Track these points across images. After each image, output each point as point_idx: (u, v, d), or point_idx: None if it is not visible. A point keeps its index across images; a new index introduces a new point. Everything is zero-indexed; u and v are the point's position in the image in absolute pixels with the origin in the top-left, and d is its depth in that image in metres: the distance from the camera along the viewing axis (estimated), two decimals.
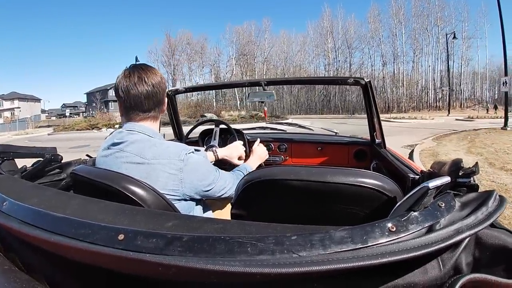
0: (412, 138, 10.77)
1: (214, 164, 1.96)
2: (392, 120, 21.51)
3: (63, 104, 69.47)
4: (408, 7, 41.30)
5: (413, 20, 41.02)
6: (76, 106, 66.15)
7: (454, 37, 29.12)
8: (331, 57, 43.90)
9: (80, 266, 0.63)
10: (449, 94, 35.57)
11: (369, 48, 43.34)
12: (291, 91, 41.76)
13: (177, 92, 2.31)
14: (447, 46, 36.31)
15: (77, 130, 22.07)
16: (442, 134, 11.96)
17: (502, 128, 12.36)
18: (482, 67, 42.14)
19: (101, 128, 21.43)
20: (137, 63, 1.22)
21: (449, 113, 31.50)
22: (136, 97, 1.13)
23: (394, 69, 41.74)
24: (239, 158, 1.90)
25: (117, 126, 20.70)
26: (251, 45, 44.65)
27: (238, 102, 40.86)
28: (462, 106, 40.39)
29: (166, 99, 1.26)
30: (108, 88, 53.43)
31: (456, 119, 23.87)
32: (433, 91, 40.64)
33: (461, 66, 41.58)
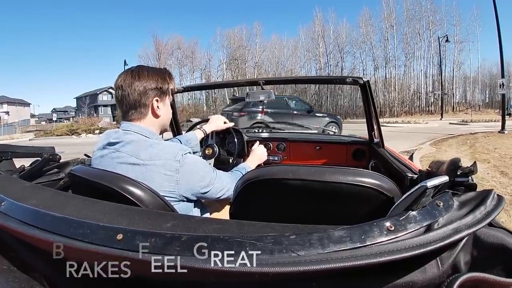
0: (408, 143, 10.28)
1: (213, 157, 2.00)
2: (385, 124, 20.75)
3: (53, 108, 67.47)
4: (399, 11, 40.58)
5: (405, 24, 40.42)
6: (67, 111, 64.19)
7: (447, 40, 28.86)
8: (323, 62, 43.03)
9: (78, 266, 0.63)
10: (442, 98, 35.02)
11: (361, 53, 42.56)
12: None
13: (175, 91, 2.31)
14: (439, 49, 35.78)
15: (57, 135, 20.90)
16: (439, 138, 11.59)
17: (499, 132, 11.98)
18: (474, 71, 41.98)
19: (80, 134, 20.44)
20: (139, 65, 1.23)
21: (442, 117, 31.18)
22: (128, 95, 1.14)
23: (385, 74, 41.15)
24: (225, 123, 2.09)
25: (97, 131, 20.08)
26: (242, 49, 43.61)
27: None
28: (455, 110, 39.76)
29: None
30: (98, 92, 52.46)
31: (450, 123, 23.51)
32: (425, 95, 40.19)
33: (453, 70, 41.18)
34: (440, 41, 33.10)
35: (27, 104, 61.68)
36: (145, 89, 1.15)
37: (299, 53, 45.33)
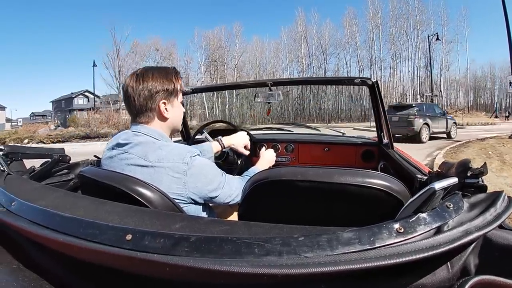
0: (412, 154, 8.10)
1: (221, 158, 1.98)
2: (373, 129, 19.78)
3: (32, 113, 66.60)
4: (385, 10, 39.66)
5: (391, 24, 39.52)
6: (45, 115, 61.81)
7: (437, 39, 28.04)
8: (305, 64, 41.83)
9: (87, 265, 0.64)
10: (432, 100, 33.21)
11: (345, 54, 41.62)
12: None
13: (184, 93, 2.32)
14: (429, 49, 34.30)
15: None
16: (448, 147, 10.03)
17: (510, 137, 10.94)
18: (462, 72, 41.68)
19: (8, 143, 18.69)
20: (145, 67, 1.21)
21: None
22: (134, 100, 1.12)
23: (371, 75, 39.12)
24: (245, 148, 1.89)
25: (26, 141, 18.75)
26: (221, 50, 42.27)
27: (207, 111, 38.13)
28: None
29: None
30: (73, 96, 50.73)
31: None
32: (412, 97, 39.03)
33: (441, 71, 40.41)
34: (429, 40, 32.03)
35: (2, 108, 59.35)
36: (151, 92, 1.12)
37: (280, 55, 44.46)
